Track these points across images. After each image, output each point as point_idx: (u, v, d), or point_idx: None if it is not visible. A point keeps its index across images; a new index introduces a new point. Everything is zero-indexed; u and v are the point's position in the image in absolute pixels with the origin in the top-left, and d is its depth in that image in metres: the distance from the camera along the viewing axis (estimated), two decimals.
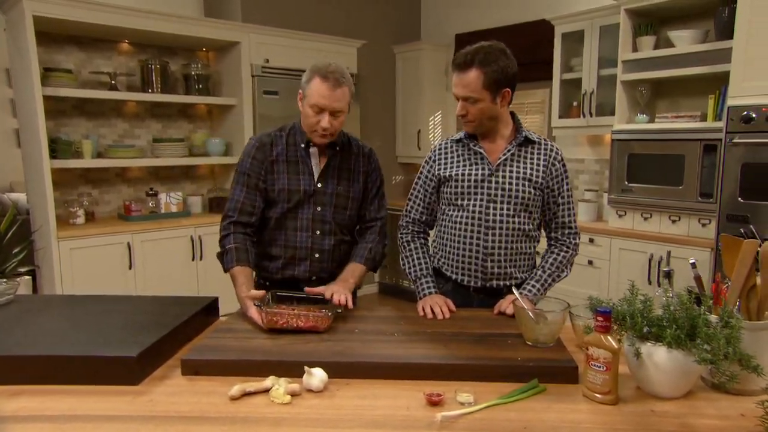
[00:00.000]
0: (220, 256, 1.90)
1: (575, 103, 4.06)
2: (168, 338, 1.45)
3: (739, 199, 2.98)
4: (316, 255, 1.95)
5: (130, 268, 3.69)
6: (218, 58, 4.42)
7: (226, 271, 1.88)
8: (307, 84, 1.81)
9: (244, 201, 1.90)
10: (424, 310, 1.77)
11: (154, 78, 4.03)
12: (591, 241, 3.67)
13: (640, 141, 3.47)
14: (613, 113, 3.73)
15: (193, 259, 3.95)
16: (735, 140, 2.96)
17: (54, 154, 3.55)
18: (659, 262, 3.34)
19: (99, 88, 3.89)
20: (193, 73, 4.22)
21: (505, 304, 1.75)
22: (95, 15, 3.49)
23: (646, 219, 3.51)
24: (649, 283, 3.36)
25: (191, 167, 4.49)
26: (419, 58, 5.15)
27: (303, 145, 1.92)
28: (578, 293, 3.47)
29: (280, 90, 4.30)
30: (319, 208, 1.92)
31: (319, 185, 1.92)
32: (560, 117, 4.08)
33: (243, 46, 4.14)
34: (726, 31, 3.17)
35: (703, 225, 3.27)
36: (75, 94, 3.65)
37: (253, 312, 1.62)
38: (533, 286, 1.82)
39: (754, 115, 2.90)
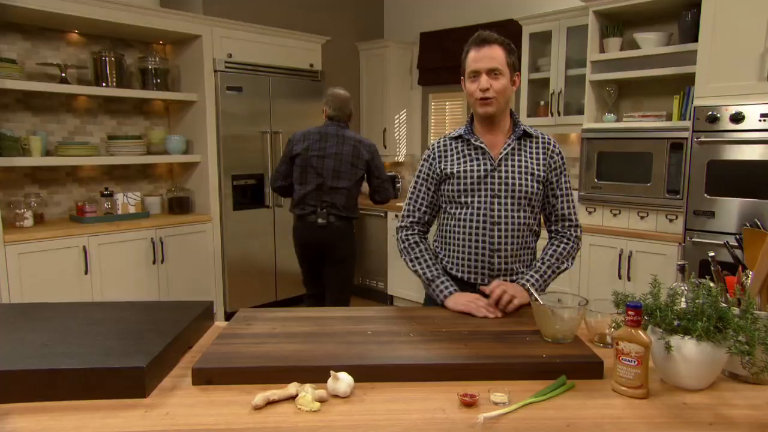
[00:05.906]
0: None
1: (543, 102, 4.12)
2: (172, 346, 1.33)
3: (705, 195, 3.10)
4: None
5: (86, 272, 3.45)
6: (176, 52, 4.21)
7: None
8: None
9: None
10: (473, 310, 1.69)
11: (108, 71, 3.79)
12: None
13: (609, 140, 3.56)
14: (579, 112, 3.82)
15: (153, 263, 3.74)
16: (701, 139, 3.07)
17: None
18: (629, 257, 3.43)
19: (47, 81, 3.62)
20: (150, 66, 3.99)
21: (498, 291, 1.70)
22: (40, 1, 3.23)
23: (615, 215, 3.60)
24: (619, 277, 3.44)
25: (148, 166, 4.26)
26: (384, 55, 5.08)
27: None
28: (550, 288, 3.52)
29: (244, 86, 4.15)
30: None
31: None
32: (528, 116, 4.13)
33: (204, 40, 3.96)
34: (689, 33, 3.29)
35: (671, 220, 3.38)
36: (20, 86, 3.37)
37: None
38: (531, 276, 1.80)
39: (718, 115, 3.03)
